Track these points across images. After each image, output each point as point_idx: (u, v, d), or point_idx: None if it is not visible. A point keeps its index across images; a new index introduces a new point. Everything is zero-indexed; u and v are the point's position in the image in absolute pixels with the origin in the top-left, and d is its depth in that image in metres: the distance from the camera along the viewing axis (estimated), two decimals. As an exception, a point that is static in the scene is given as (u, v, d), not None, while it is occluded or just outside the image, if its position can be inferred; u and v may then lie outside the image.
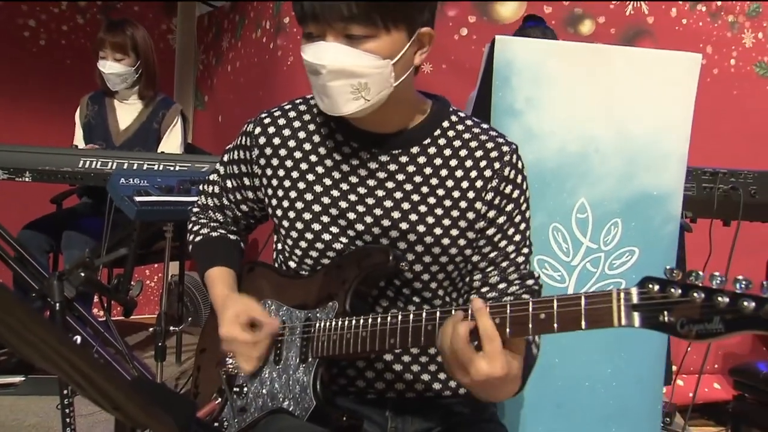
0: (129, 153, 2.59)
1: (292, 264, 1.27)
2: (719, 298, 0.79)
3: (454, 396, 1.27)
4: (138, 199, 2.09)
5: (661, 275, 2.01)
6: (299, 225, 1.23)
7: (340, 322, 1.14)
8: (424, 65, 1.21)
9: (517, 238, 1.24)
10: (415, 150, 1.22)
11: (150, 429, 0.75)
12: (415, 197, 1.21)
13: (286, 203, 1.25)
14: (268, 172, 1.27)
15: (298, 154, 1.25)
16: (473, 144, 1.24)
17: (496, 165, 1.22)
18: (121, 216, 2.33)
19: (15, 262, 2.49)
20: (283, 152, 1.26)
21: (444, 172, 1.22)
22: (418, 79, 1.23)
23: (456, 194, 1.21)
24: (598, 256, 1.92)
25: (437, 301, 1.25)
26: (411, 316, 1.07)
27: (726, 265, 2.23)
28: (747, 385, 2.76)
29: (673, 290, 0.82)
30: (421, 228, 1.20)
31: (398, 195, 1.21)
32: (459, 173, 1.22)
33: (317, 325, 1.18)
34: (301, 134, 1.26)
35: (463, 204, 1.21)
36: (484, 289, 1.23)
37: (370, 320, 1.11)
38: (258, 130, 1.28)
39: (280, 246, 1.31)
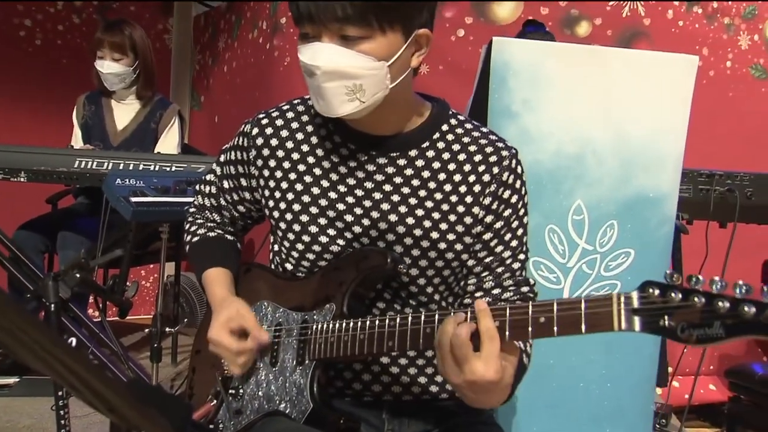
0: (125, 153, 2.58)
1: (288, 266, 1.27)
2: (720, 303, 0.78)
3: (451, 398, 1.27)
4: (134, 199, 2.08)
5: (657, 277, 2.01)
6: (296, 227, 1.23)
7: (337, 325, 1.14)
8: (420, 66, 1.20)
9: (514, 243, 1.23)
10: (413, 153, 1.22)
11: (145, 431, 0.75)
12: (413, 200, 1.20)
13: (283, 205, 1.24)
14: (266, 173, 1.26)
15: (295, 156, 1.25)
16: (472, 148, 1.23)
17: (495, 169, 1.21)
18: (117, 216, 2.32)
19: (10, 263, 2.48)
20: (280, 153, 1.25)
21: (442, 176, 1.21)
22: (414, 80, 1.23)
23: (454, 198, 1.21)
24: (593, 257, 1.92)
25: (433, 305, 1.25)
26: (409, 318, 1.07)
27: (722, 267, 2.23)
28: (742, 387, 2.76)
29: (673, 295, 0.82)
30: (417, 231, 1.20)
31: (396, 198, 1.20)
32: (457, 177, 1.21)
33: (314, 327, 1.17)
34: (299, 135, 1.26)
35: (460, 208, 1.21)
36: (478, 294, 1.22)
37: (368, 323, 1.10)
38: (255, 130, 1.27)
39: (276, 247, 1.30)
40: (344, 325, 1.13)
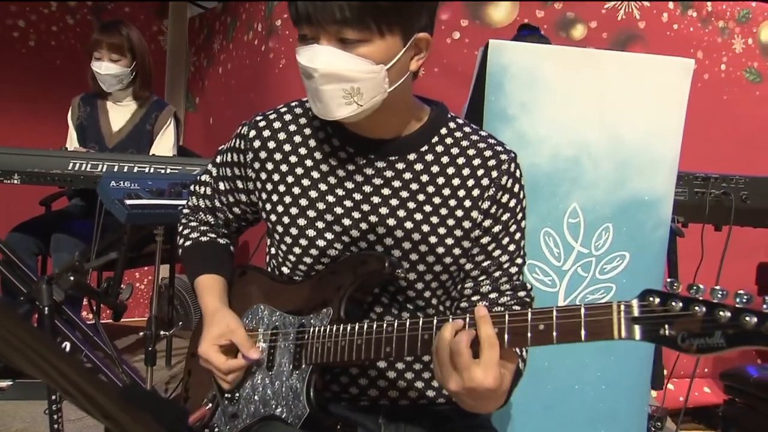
0: (119, 155, 2.57)
1: (285, 269, 1.26)
2: (721, 313, 0.78)
3: (448, 403, 1.26)
4: (128, 202, 2.07)
5: (652, 280, 2.01)
6: (293, 230, 1.22)
7: (334, 329, 1.13)
8: (420, 70, 1.20)
9: (512, 248, 1.23)
10: (412, 156, 1.21)
11: (140, 437, 0.74)
12: (411, 204, 1.20)
13: (280, 208, 1.24)
14: (263, 175, 1.25)
15: (293, 158, 1.24)
16: (471, 152, 1.22)
17: (494, 173, 1.21)
18: (111, 219, 2.31)
19: (2, 266, 2.46)
20: (277, 156, 1.24)
21: (441, 180, 1.21)
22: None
23: (452, 202, 1.20)
24: (589, 260, 1.92)
25: (431, 309, 1.24)
26: (407, 324, 1.06)
27: (717, 270, 2.24)
28: (737, 390, 2.77)
29: (674, 303, 0.82)
30: (416, 236, 1.19)
31: (394, 202, 1.20)
32: (456, 181, 1.21)
33: (311, 331, 1.17)
34: (297, 138, 1.25)
35: (459, 213, 1.20)
36: (474, 298, 1.22)
37: (365, 328, 1.10)
38: (253, 133, 1.26)
39: (273, 251, 1.30)
40: (341, 329, 1.12)
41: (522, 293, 1.23)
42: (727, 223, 2.28)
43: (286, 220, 1.23)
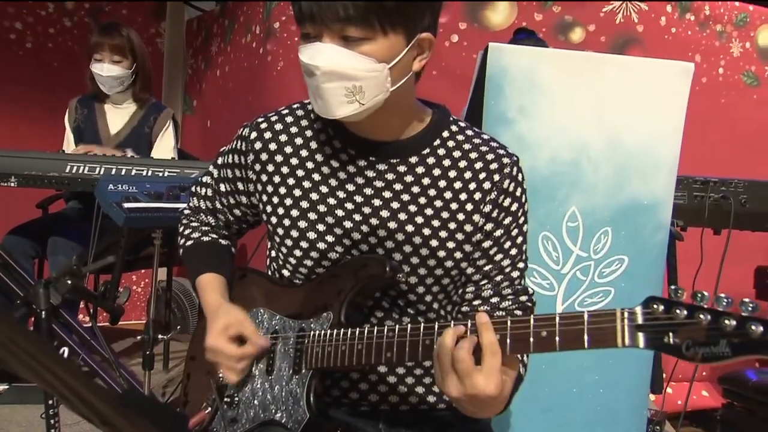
0: (117, 158, 2.56)
1: (286, 272, 1.25)
2: (726, 321, 0.77)
3: (449, 409, 1.26)
4: (126, 205, 2.06)
5: (650, 284, 2.00)
6: (294, 233, 1.21)
7: (335, 334, 1.13)
8: (422, 71, 1.19)
9: (513, 252, 1.22)
10: (413, 159, 1.21)
11: (139, 443, 0.73)
12: (413, 208, 1.19)
13: (281, 210, 1.23)
14: (264, 178, 1.25)
15: (294, 161, 1.23)
16: (473, 155, 1.22)
17: (496, 177, 1.20)
18: (109, 222, 2.30)
19: (-1, 268, 2.45)
20: (279, 158, 1.24)
21: (442, 183, 1.20)
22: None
23: (454, 206, 1.19)
24: (587, 264, 1.92)
25: (431, 314, 1.23)
26: (408, 329, 1.05)
27: (717, 274, 2.24)
28: (736, 393, 2.77)
29: (678, 311, 0.81)
30: (417, 239, 1.18)
31: (395, 205, 1.19)
32: (458, 185, 1.20)
33: (311, 335, 1.16)
34: (298, 140, 1.24)
35: (460, 216, 1.19)
36: (476, 302, 1.21)
37: (366, 332, 1.09)
38: (254, 134, 1.26)
39: (273, 253, 1.29)
40: (342, 334, 1.12)
41: (524, 297, 1.22)
42: (726, 227, 2.28)
43: (286, 222, 1.22)
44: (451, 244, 1.19)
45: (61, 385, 0.64)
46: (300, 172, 1.23)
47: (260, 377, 1.21)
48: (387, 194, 1.19)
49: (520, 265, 1.23)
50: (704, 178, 2.30)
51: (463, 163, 1.21)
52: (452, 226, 1.19)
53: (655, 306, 0.83)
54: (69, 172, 2.40)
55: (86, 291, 1.93)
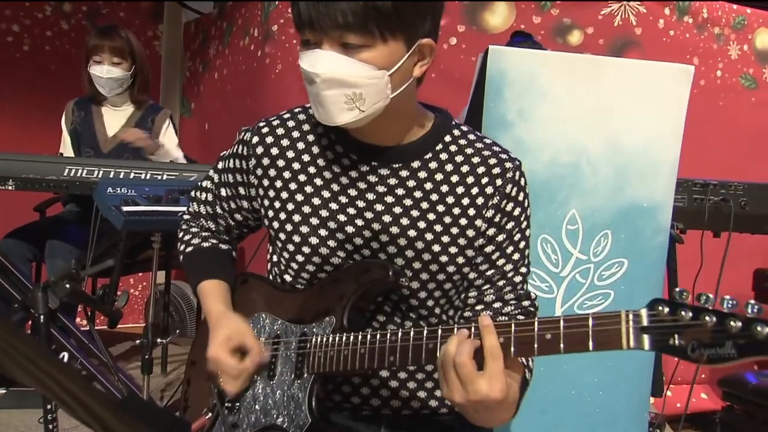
0: (115, 161, 2.55)
1: (287, 277, 1.25)
2: (732, 323, 0.77)
3: (451, 413, 1.25)
4: (125, 209, 2.06)
5: (650, 286, 2.00)
6: (296, 238, 1.20)
7: (337, 338, 1.12)
8: (424, 76, 1.19)
9: (516, 256, 1.21)
10: (415, 164, 1.20)
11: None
12: (415, 213, 1.18)
13: (282, 215, 1.22)
14: (265, 182, 1.24)
15: (296, 165, 1.23)
16: (475, 159, 1.21)
17: (498, 182, 1.20)
18: (107, 225, 2.29)
19: (-4, 272, 2.44)
20: (280, 163, 1.23)
21: (445, 188, 1.19)
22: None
23: (456, 211, 1.19)
24: (587, 267, 1.92)
25: (434, 319, 1.23)
26: (411, 333, 1.05)
27: (717, 277, 2.24)
28: (735, 396, 2.77)
29: (683, 313, 0.81)
30: (419, 244, 1.18)
31: (397, 210, 1.18)
32: (460, 189, 1.20)
33: (313, 340, 1.15)
34: (300, 145, 1.24)
35: (463, 221, 1.19)
36: (478, 307, 1.21)
37: (368, 337, 1.08)
38: (255, 139, 1.25)
39: (275, 258, 1.28)
40: (344, 338, 1.11)
41: (526, 302, 1.21)
42: (725, 230, 2.28)
43: (288, 227, 1.21)
44: (453, 249, 1.18)
45: (60, 390, 0.63)
46: (302, 177, 1.22)
47: (262, 382, 1.21)
48: (389, 199, 1.19)
49: (523, 269, 1.23)
50: (704, 180, 2.31)
51: (465, 168, 1.21)
52: (454, 231, 1.18)
53: (660, 308, 0.83)
54: (67, 175, 2.39)
55: (85, 295, 1.93)
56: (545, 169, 1.85)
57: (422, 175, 1.20)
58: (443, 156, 1.21)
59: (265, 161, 1.24)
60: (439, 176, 1.20)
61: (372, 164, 1.20)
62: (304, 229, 1.20)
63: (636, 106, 1.87)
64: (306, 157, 1.23)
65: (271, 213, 1.24)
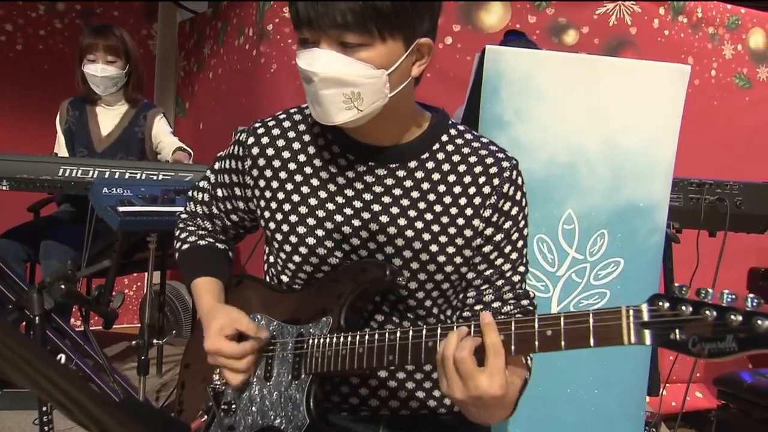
0: (110, 161, 2.54)
1: (285, 278, 1.24)
2: (732, 317, 0.77)
3: (450, 413, 1.25)
4: (121, 209, 2.04)
5: (646, 286, 2.00)
6: (293, 239, 1.20)
7: (335, 338, 1.12)
8: (422, 76, 1.19)
9: (514, 256, 1.21)
10: (413, 164, 1.20)
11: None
12: (412, 213, 1.18)
13: (279, 216, 1.22)
14: (261, 183, 1.23)
15: (292, 166, 1.22)
16: (472, 159, 1.21)
17: (496, 181, 1.19)
18: (102, 225, 2.28)
19: (-9, 273, 2.43)
20: (276, 163, 1.23)
21: (442, 188, 1.19)
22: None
23: (454, 210, 1.18)
24: (583, 266, 1.92)
25: (431, 319, 1.22)
26: (410, 332, 1.05)
27: (714, 276, 2.25)
28: (731, 395, 2.78)
29: (683, 308, 0.81)
30: (417, 244, 1.17)
31: (395, 210, 1.18)
32: (457, 189, 1.19)
33: (310, 340, 1.15)
34: (296, 145, 1.23)
35: (460, 221, 1.18)
36: (477, 307, 1.20)
37: (367, 336, 1.08)
38: (251, 140, 1.24)
39: (272, 259, 1.28)
40: (342, 338, 1.11)
41: (525, 302, 1.21)
42: (721, 229, 2.29)
43: (285, 228, 1.21)
44: (451, 249, 1.18)
45: (57, 392, 0.63)
46: (298, 177, 1.21)
47: (258, 383, 1.20)
48: (386, 199, 1.19)
49: (521, 269, 1.23)
50: (700, 180, 2.31)
51: (462, 167, 1.20)
52: (452, 230, 1.18)
53: (660, 303, 0.83)
54: (62, 175, 2.38)
55: (80, 296, 1.92)
56: (542, 169, 1.85)
57: (419, 174, 1.19)
58: (440, 156, 1.21)
59: (261, 162, 1.23)
60: (436, 176, 1.20)
61: (369, 164, 1.20)
62: (301, 229, 1.19)
63: (633, 105, 1.87)
64: (302, 158, 1.22)
65: (267, 214, 1.23)
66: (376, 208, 1.18)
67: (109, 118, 3.01)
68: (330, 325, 1.15)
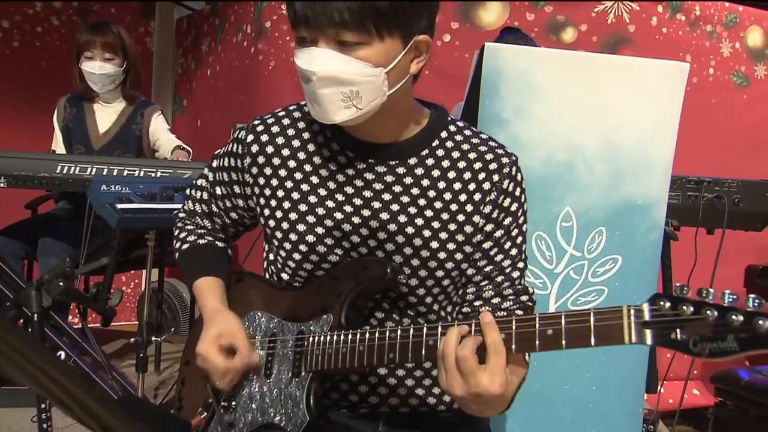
0: (108, 159, 2.53)
1: (285, 276, 1.24)
2: (733, 317, 0.78)
3: (449, 410, 1.25)
4: (120, 206, 2.04)
5: (643, 283, 2.00)
6: (293, 236, 1.20)
7: (335, 336, 1.12)
8: (420, 73, 1.19)
9: (513, 252, 1.22)
10: (412, 161, 1.20)
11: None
12: (412, 210, 1.18)
13: (279, 213, 1.22)
14: (260, 181, 1.23)
15: (291, 163, 1.22)
16: (472, 155, 1.21)
17: (495, 177, 1.20)
18: (99, 222, 2.28)
19: (-12, 270, 2.42)
20: (276, 161, 1.22)
21: (442, 185, 1.19)
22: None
23: (454, 207, 1.19)
24: (581, 263, 1.92)
25: (432, 315, 1.23)
26: (411, 330, 1.05)
27: (711, 273, 2.25)
28: (728, 392, 2.79)
29: (684, 307, 0.81)
30: (417, 241, 1.17)
31: (395, 207, 1.18)
32: (457, 185, 1.19)
33: (311, 338, 1.15)
34: (295, 142, 1.23)
35: (460, 217, 1.19)
36: (477, 303, 1.21)
37: (367, 334, 1.08)
38: (250, 137, 1.24)
39: (271, 256, 1.27)
40: (342, 336, 1.11)
41: (524, 297, 1.22)
42: (719, 227, 2.29)
43: (284, 225, 1.21)
44: (451, 246, 1.18)
45: (57, 389, 0.63)
46: (298, 175, 1.21)
47: (258, 381, 1.20)
48: (386, 196, 1.18)
49: (520, 264, 1.23)
50: (698, 177, 2.32)
51: (462, 164, 1.20)
52: (452, 227, 1.18)
53: (661, 303, 0.83)
54: (60, 172, 2.37)
55: (78, 293, 1.91)
56: (541, 167, 1.85)
57: (419, 171, 1.19)
58: (440, 152, 1.21)
59: (261, 159, 1.23)
60: (435, 173, 1.20)
61: (368, 161, 1.19)
62: (301, 227, 1.19)
63: (631, 103, 1.87)
64: (301, 155, 1.22)
65: (267, 211, 1.23)
66: (376, 205, 1.18)
67: (106, 115, 3.00)
68: (330, 323, 1.15)
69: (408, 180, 1.19)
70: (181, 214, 1.41)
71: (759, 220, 2.38)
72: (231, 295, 1.31)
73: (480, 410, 1.03)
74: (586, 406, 1.91)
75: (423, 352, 1.03)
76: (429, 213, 1.18)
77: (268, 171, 1.23)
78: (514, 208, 1.21)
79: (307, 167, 1.21)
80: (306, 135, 1.23)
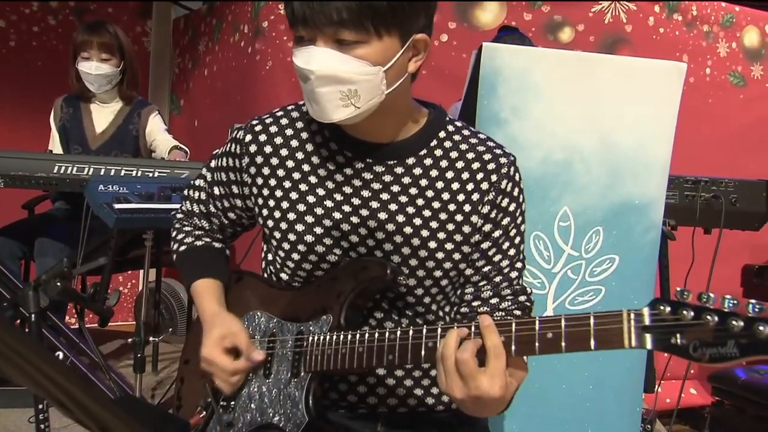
0: (106, 159, 2.53)
1: (284, 276, 1.24)
2: (734, 322, 0.77)
3: (447, 411, 1.25)
4: (117, 206, 2.04)
5: (640, 282, 2.00)
6: (291, 236, 1.20)
7: (334, 337, 1.12)
8: (418, 72, 1.19)
9: (512, 252, 1.22)
10: (410, 161, 1.20)
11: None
12: (411, 209, 1.18)
13: (277, 213, 1.21)
14: (259, 181, 1.23)
15: (290, 163, 1.22)
16: (470, 155, 1.21)
17: (493, 177, 1.20)
18: (97, 222, 2.27)
19: (-15, 270, 2.41)
20: (274, 161, 1.22)
21: (440, 184, 1.19)
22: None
23: (452, 207, 1.19)
24: (579, 263, 1.92)
25: (430, 316, 1.23)
26: (410, 332, 1.05)
27: (709, 273, 2.25)
28: (725, 391, 2.79)
29: (685, 312, 0.81)
30: (415, 241, 1.17)
31: (393, 207, 1.18)
32: (455, 185, 1.19)
33: (310, 338, 1.15)
34: (294, 142, 1.23)
35: (459, 217, 1.18)
36: (475, 303, 1.21)
37: (367, 335, 1.08)
38: (248, 137, 1.24)
39: (270, 256, 1.27)
40: (342, 337, 1.11)
41: (523, 297, 1.22)
42: (716, 226, 2.30)
43: (283, 225, 1.21)
44: (449, 246, 1.18)
45: (55, 390, 0.62)
46: (296, 175, 1.21)
47: (257, 381, 1.20)
48: (384, 196, 1.18)
49: (519, 265, 1.23)
50: (695, 177, 2.32)
51: (460, 164, 1.20)
52: (450, 227, 1.18)
53: (661, 307, 0.83)
54: (57, 172, 2.37)
55: (76, 293, 1.91)
56: (538, 167, 1.85)
57: (417, 171, 1.19)
58: (438, 152, 1.21)
59: (259, 159, 1.23)
60: (434, 172, 1.20)
61: (367, 161, 1.19)
62: (300, 227, 1.19)
63: (629, 103, 1.88)
64: (300, 155, 1.22)
65: (265, 211, 1.23)
66: (374, 205, 1.18)
67: (103, 115, 2.99)
68: (330, 324, 1.14)
69: (406, 180, 1.19)
70: (179, 215, 1.41)
71: (756, 219, 2.38)
72: (230, 294, 1.31)
73: (479, 411, 1.03)
74: (584, 406, 1.92)
75: (422, 354, 1.03)
76: (427, 213, 1.18)
77: (266, 171, 1.22)
78: (512, 208, 1.21)
79: (306, 167, 1.21)
80: (304, 135, 1.23)
